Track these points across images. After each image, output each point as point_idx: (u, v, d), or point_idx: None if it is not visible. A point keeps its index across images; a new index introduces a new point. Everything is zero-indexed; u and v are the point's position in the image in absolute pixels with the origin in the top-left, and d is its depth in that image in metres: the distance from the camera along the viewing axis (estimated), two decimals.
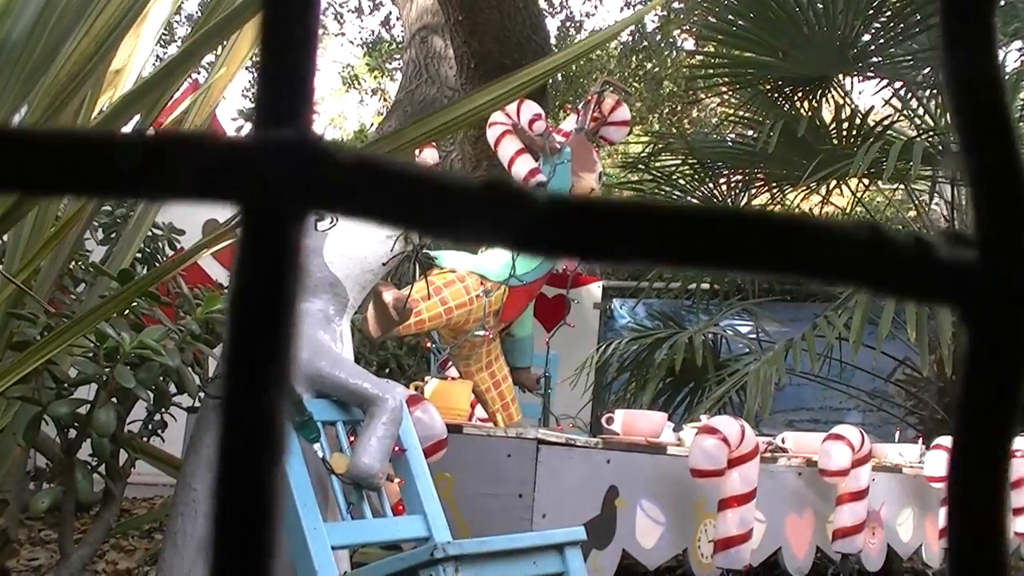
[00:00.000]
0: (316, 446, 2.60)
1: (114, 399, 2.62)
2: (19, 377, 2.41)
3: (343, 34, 15.06)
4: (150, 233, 3.88)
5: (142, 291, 2.49)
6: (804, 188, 6.99)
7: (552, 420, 4.34)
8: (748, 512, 3.54)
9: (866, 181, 7.26)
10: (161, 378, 2.64)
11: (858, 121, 6.74)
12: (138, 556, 4.15)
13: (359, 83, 15.39)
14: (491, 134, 4.14)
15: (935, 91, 6.65)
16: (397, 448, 2.70)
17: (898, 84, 6.90)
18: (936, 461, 4.57)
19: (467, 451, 3.21)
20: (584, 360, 6.35)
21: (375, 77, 15.10)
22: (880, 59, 6.81)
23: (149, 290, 2.82)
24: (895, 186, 8.10)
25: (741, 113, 7.69)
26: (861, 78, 7.15)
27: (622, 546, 3.37)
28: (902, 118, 7.02)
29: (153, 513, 4.38)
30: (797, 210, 7.52)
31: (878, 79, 6.93)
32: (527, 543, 2.48)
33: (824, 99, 7.01)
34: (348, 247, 2.87)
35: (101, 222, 3.83)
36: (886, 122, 6.64)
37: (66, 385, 2.67)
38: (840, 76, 6.95)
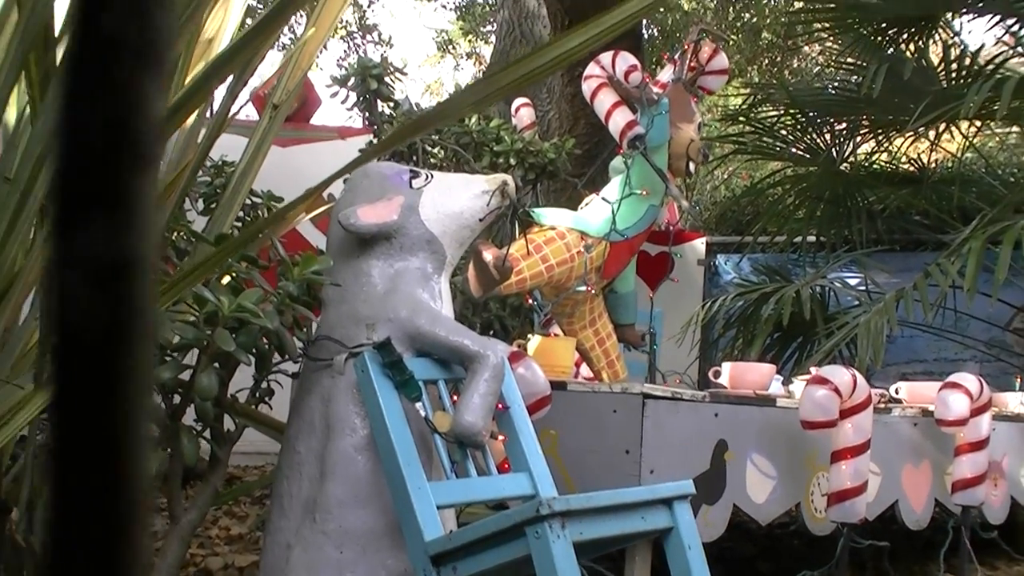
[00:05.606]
0: (418, 405, 2.57)
1: (216, 363, 2.62)
2: None
3: None
4: (248, 201, 3.87)
5: (237, 252, 2.48)
6: (912, 133, 6.75)
7: (659, 377, 4.27)
8: (862, 464, 3.43)
9: (978, 124, 7.01)
10: (262, 341, 2.63)
11: (968, 61, 6.49)
12: (250, 521, 4.19)
13: (454, 48, 15.33)
14: (587, 88, 4.07)
15: None
16: (500, 405, 2.66)
17: (1011, 20, 6.61)
18: None
19: (572, 408, 3.16)
20: (689, 318, 6.25)
21: (469, 41, 15.01)
22: None
23: (247, 254, 2.81)
24: (1009, 128, 7.83)
25: (843, 59, 7.46)
26: (970, 15, 6.86)
27: (733, 501, 3.29)
28: (1015, 55, 6.73)
29: (263, 479, 4.41)
30: (904, 157, 7.31)
31: (989, 15, 6.64)
32: (635, 498, 2.42)
33: (931, 39, 6.76)
34: (444, 204, 2.83)
35: (200, 192, 3.83)
36: (998, 60, 6.37)
37: (168, 351, 2.68)
38: (948, 14, 6.69)
